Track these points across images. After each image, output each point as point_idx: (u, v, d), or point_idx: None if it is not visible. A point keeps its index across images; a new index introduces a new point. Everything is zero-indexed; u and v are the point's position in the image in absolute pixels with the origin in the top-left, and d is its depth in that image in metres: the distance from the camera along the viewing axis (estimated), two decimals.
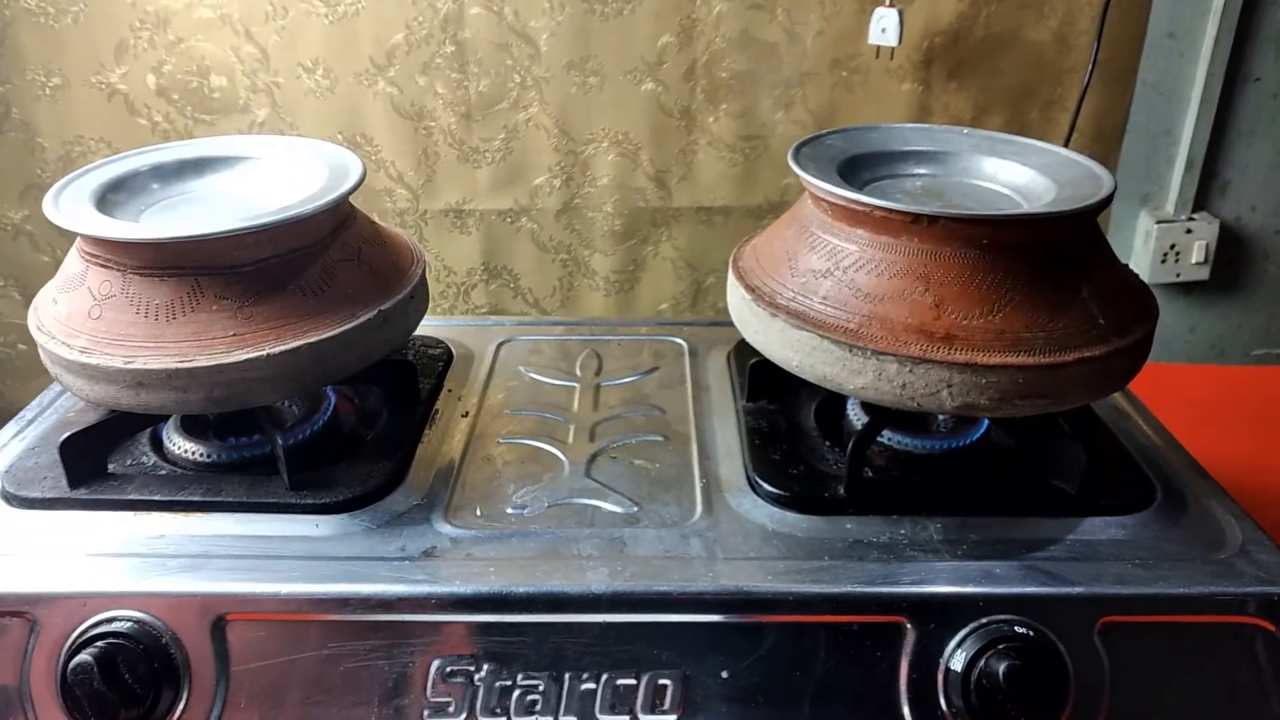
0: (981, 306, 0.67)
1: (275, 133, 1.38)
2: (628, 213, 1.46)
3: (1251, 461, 1.13)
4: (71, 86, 1.34)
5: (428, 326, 0.90)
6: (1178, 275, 1.67)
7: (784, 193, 1.46)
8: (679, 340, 0.99)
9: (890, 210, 0.68)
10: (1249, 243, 1.68)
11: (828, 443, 0.80)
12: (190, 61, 1.34)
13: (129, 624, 0.64)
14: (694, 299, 1.54)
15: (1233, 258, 1.69)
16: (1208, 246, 1.65)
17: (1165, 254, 1.65)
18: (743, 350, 0.89)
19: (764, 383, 0.84)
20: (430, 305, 1.51)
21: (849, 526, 0.70)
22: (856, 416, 0.81)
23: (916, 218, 0.67)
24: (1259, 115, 1.60)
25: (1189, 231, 1.63)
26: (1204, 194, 1.65)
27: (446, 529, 0.70)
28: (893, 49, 1.34)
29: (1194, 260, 1.65)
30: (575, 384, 0.91)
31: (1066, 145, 1.42)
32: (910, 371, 0.66)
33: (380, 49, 1.34)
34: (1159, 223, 1.63)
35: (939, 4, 1.35)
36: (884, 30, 1.32)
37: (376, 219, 1.41)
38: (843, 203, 0.70)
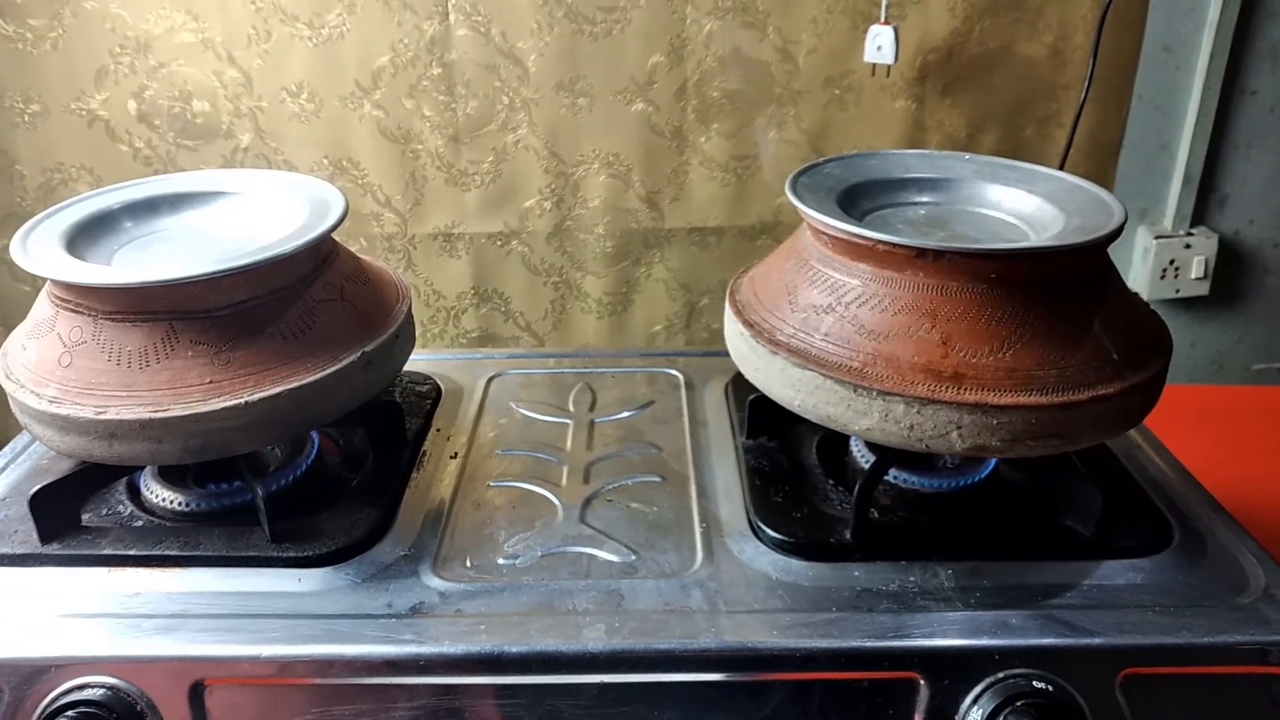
0: (991, 344, 0.64)
1: (260, 157, 1.35)
2: (619, 234, 1.44)
3: (1262, 487, 1.10)
4: (51, 113, 1.31)
5: (415, 361, 0.87)
6: (1177, 291, 1.64)
7: (777, 212, 1.43)
8: (674, 372, 0.96)
9: (894, 244, 0.65)
10: (1247, 257, 1.66)
11: (831, 481, 0.77)
12: (172, 87, 1.31)
13: (102, 691, 0.60)
14: (688, 320, 1.52)
15: (1232, 272, 1.66)
16: (1207, 261, 1.62)
17: (1164, 270, 1.62)
18: (740, 383, 0.87)
19: (764, 419, 0.81)
20: (419, 330, 1.49)
21: (856, 574, 0.67)
22: (860, 454, 0.78)
23: (921, 252, 0.65)
24: (1256, 128, 1.58)
25: (1188, 247, 1.61)
26: (1202, 208, 1.63)
27: (435, 582, 0.67)
28: (889, 66, 1.32)
29: (1193, 275, 1.63)
30: (568, 420, 0.88)
31: (1064, 162, 1.41)
32: (918, 412, 0.64)
33: (366, 72, 1.31)
34: (1157, 238, 1.61)
35: (932, 20, 1.33)
36: (880, 48, 1.30)
37: (364, 244, 1.40)
38: (844, 236, 0.68)
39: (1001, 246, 0.67)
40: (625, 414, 0.89)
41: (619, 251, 1.45)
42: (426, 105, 1.33)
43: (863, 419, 0.65)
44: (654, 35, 1.31)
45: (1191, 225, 1.63)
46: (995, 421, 0.63)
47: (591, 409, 0.90)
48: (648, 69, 1.33)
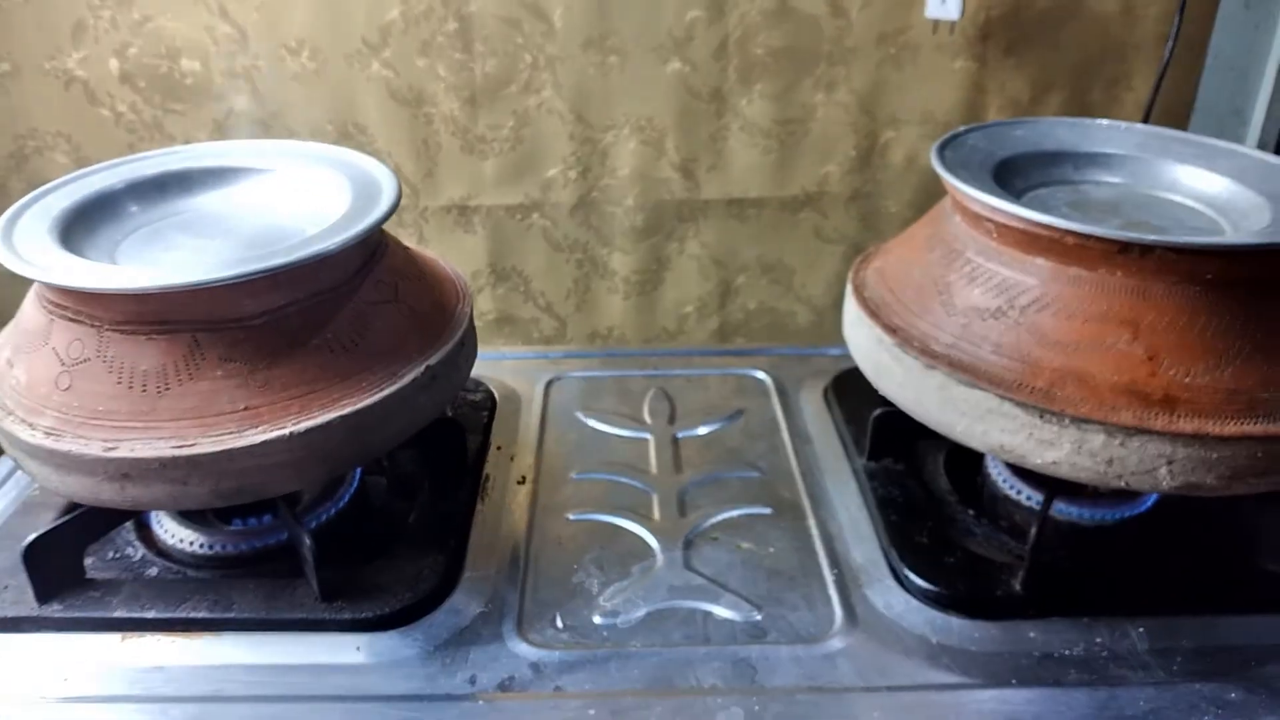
0: (1207, 359, 0.52)
1: (256, 122, 1.23)
2: (651, 206, 1.33)
3: None
4: (23, 73, 1.19)
5: None
6: None
7: (823, 183, 1.33)
8: (760, 375, 0.84)
9: (1089, 236, 0.53)
10: None
11: (971, 512, 0.66)
12: (158, 43, 1.19)
13: None
14: (721, 301, 1.42)
15: None
16: None
17: None
18: (842, 389, 0.75)
19: (888, 437, 0.69)
20: None
21: (1031, 634, 0.56)
22: (1000, 475, 0.67)
23: (1125, 246, 0.53)
24: None
25: None
26: None
27: (524, 649, 0.55)
28: (953, 23, 1.20)
29: None
30: (648, 435, 0.76)
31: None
32: (1121, 445, 0.52)
33: (373, 27, 1.19)
34: None
35: None
36: (944, 2, 1.18)
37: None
38: (1018, 224, 0.56)
39: (1230, 242, 0.55)
40: (712, 426, 0.77)
41: (649, 225, 1.35)
42: (441, 64, 1.22)
43: (1049, 450, 0.54)
44: None
45: None
46: (1215, 455, 0.52)
47: (671, 420, 0.78)
48: (685, 24, 1.22)
